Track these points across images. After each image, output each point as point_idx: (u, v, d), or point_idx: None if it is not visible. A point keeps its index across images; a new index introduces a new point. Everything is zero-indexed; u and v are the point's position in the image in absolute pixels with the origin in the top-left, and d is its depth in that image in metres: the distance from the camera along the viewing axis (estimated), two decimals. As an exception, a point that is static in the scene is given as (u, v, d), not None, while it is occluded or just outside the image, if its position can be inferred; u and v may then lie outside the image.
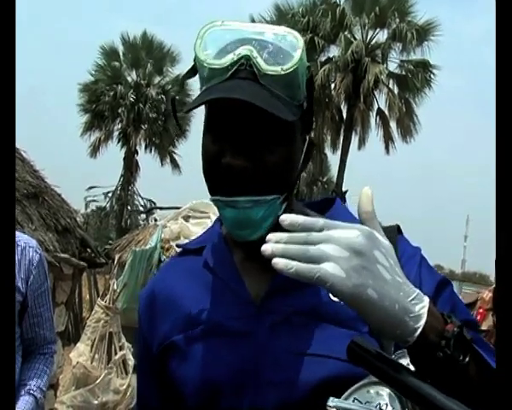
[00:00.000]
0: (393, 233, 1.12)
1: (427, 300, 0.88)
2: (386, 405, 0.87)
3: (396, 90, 22.58)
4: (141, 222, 25.66)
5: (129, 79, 25.35)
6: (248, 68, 1.02)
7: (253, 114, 1.01)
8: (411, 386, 0.83)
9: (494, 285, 2.36)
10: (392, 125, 22.84)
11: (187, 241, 1.36)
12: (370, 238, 0.85)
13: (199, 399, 1.10)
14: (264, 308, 1.08)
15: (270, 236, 0.85)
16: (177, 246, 1.57)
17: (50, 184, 6.30)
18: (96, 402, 6.66)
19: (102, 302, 6.88)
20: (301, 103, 1.09)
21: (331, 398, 0.88)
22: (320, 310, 1.06)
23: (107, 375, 6.69)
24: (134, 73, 25.46)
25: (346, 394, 0.91)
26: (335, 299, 0.86)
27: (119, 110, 24.96)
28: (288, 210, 1.09)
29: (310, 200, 1.38)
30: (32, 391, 2.27)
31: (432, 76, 22.09)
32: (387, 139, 23.00)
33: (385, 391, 0.89)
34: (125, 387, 6.76)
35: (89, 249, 6.44)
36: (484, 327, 2.22)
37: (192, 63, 1.10)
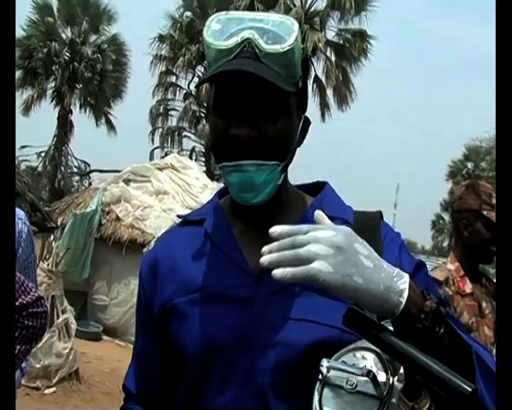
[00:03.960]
0: (377, 219, 1.28)
1: (406, 276, 1.01)
2: (371, 367, 0.99)
3: (333, 58, 22.82)
4: (75, 183, 25.18)
5: (63, 36, 24.52)
6: (251, 49, 1.16)
7: (256, 87, 1.15)
8: (396, 347, 0.96)
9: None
10: (329, 92, 23.15)
11: (186, 212, 1.47)
12: (349, 234, 1.00)
13: (200, 357, 1.21)
14: (262, 279, 1.19)
15: (264, 248, 0.99)
16: (178, 216, 1.68)
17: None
18: (38, 366, 6.63)
19: (45, 265, 6.83)
20: (297, 82, 1.22)
21: (324, 359, 1.01)
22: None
23: (50, 338, 6.67)
24: (69, 30, 24.60)
25: (335, 356, 1.03)
26: None
27: (53, 68, 24.20)
28: (284, 189, 1.26)
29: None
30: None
31: (368, 46, 22.44)
32: (324, 107, 23.29)
33: (369, 355, 1.02)
34: (67, 350, 6.75)
35: (39, 214, 6.36)
36: (468, 291, 2.47)
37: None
